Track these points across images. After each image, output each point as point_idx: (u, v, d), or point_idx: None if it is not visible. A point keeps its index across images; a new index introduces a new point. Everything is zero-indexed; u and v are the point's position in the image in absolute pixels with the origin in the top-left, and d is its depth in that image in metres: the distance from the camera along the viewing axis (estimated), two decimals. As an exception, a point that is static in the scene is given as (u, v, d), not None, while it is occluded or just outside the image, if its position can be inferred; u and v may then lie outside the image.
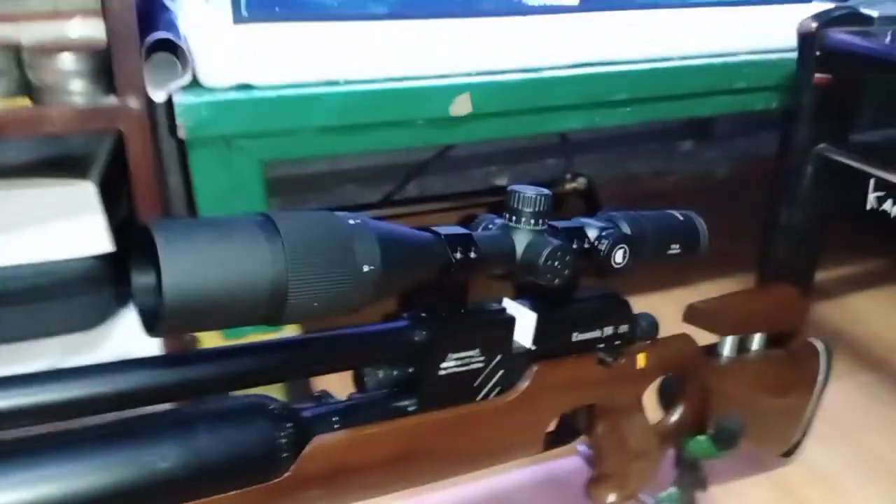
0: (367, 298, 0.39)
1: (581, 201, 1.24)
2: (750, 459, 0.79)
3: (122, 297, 0.73)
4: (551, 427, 0.58)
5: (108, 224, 0.71)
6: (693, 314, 0.66)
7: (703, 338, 0.67)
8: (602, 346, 0.56)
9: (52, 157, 0.78)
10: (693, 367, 0.65)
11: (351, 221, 0.40)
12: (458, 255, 0.45)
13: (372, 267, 0.39)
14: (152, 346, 0.67)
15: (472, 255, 0.45)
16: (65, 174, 0.73)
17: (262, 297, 0.36)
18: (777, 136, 0.87)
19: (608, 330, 0.56)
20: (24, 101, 0.65)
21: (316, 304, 0.38)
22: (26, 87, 0.66)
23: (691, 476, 0.68)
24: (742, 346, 0.70)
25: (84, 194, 0.70)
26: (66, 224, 0.69)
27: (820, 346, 0.75)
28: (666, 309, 0.65)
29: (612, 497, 0.62)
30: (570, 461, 0.70)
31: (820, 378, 0.75)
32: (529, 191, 0.49)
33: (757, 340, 0.70)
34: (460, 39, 0.75)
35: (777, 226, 0.90)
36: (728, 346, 0.68)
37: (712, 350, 0.68)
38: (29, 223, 0.69)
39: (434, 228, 0.45)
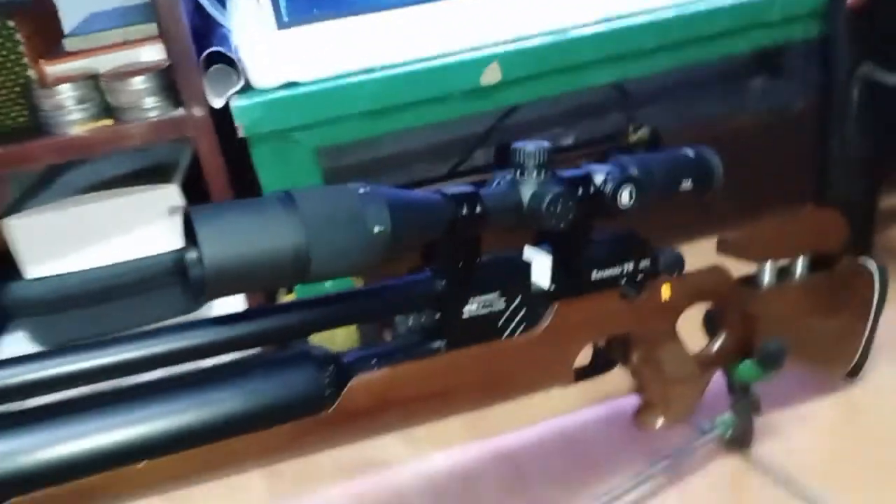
0: (382, 255, 0.46)
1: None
2: (814, 382, 0.80)
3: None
4: (587, 359, 0.63)
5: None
6: (724, 245, 0.68)
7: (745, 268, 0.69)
8: (624, 281, 0.60)
9: (145, 167, 0.90)
10: (728, 295, 0.68)
11: (361, 190, 0.46)
12: (465, 212, 0.51)
13: (382, 228, 0.45)
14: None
15: (478, 210, 0.51)
16: (156, 180, 0.85)
17: (287, 260, 0.43)
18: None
19: (628, 266, 0.60)
20: (107, 122, 0.76)
21: (335, 263, 0.45)
22: (107, 110, 0.77)
23: (744, 400, 0.71)
24: (784, 273, 0.72)
25: (170, 196, 0.82)
26: (158, 223, 0.81)
27: (873, 265, 0.75)
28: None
29: (658, 422, 0.67)
30: (633, 399, 0.72)
31: (875, 297, 0.75)
32: (530, 145, 0.54)
33: (799, 265, 0.72)
34: (484, 10, 0.80)
35: (830, 157, 0.89)
36: (767, 272, 0.70)
37: (752, 278, 0.71)
38: (130, 224, 0.81)
39: (442, 189, 0.52)
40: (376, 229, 0.45)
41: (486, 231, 0.53)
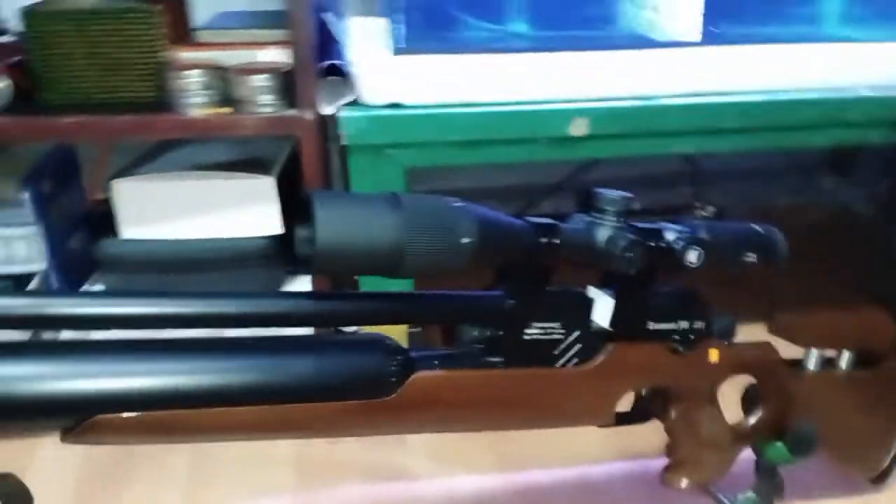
0: (465, 265, 0.50)
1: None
2: (839, 481, 0.80)
3: (289, 270, 0.91)
4: (626, 407, 0.66)
5: (283, 211, 0.89)
6: (777, 325, 0.70)
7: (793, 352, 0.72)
8: (677, 336, 0.64)
9: (247, 157, 0.97)
10: (772, 373, 0.70)
11: (456, 204, 0.51)
12: (544, 240, 0.55)
13: (470, 240, 0.50)
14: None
15: (556, 241, 0.55)
16: (253, 171, 0.91)
17: (384, 253, 0.48)
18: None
19: (683, 323, 0.63)
20: (226, 110, 0.83)
21: (424, 263, 0.49)
22: (227, 100, 0.84)
23: (768, 481, 0.71)
24: (829, 363, 0.74)
25: (265, 187, 0.88)
26: (250, 209, 0.87)
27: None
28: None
29: (684, 482, 0.68)
30: (661, 461, 0.73)
31: None
32: (613, 193, 0.58)
33: (844, 359, 0.74)
34: (583, 68, 0.85)
35: (891, 262, 0.91)
36: (813, 359, 0.72)
37: (797, 362, 0.73)
38: (223, 207, 0.87)
39: (527, 217, 0.56)
40: (464, 240, 0.50)
41: (560, 262, 0.57)
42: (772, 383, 0.70)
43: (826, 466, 0.75)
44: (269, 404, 0.49)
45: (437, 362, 0.55)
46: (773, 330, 0.70)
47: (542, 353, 0.58)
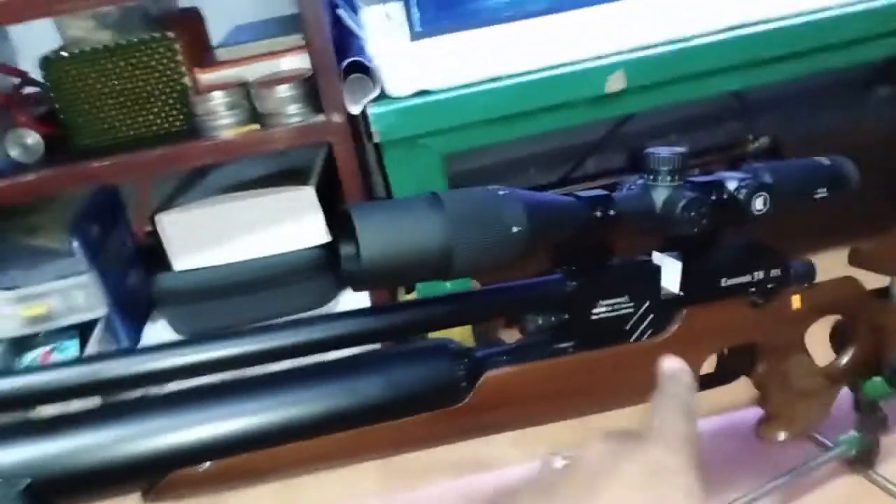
0: (518, 254, 0.48)
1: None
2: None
3: (340, 279, 0.90)
4: (710, 368, 0.63)
5: (326, 219, 0.87)
6: (858, 257, 0.67)
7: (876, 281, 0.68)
8: (753, 289, 0.60)
9: (283, 169, 0.96)
10: (860, 308, 0.66)
11: (500, 192, 0.49)
12: (598, 214, 0.52)
13: (520, 228, 0.47)
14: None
15: (611, 213, 0.53)
16: (291, 182, 0.90)
17: (433, 257, 0.46)
18: None
19: (758, 274, 0.60)
20: (254, 127, 0.82)
21: (476, 260, 0.47)
22: (254, 115, 0.83)
23: (871, 418, 0.69)
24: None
25: (306, 197, 0.87)
26: (294, 221, 0.86)
27: None
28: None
29: (781, 435, 0.65)
30: (752, 412, 0.70)
31: None
32: (664, 151, 0.55)
33: (934, 281, 0.69)
34: (611, 21, 0.81)
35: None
36: (899, 286, 0.68)
37: (883, 291, 0.69)
38: (267, 223, 0.87)
39: (576, 192, 0.53)
40: (514, 229, 0.47)
41: (618, 234, 0.54)
42: (860, 318, 0.67)
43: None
44: (343, 430, 0.48)
45: (505, 358, 0.53)
46: (855, 262, 0.66)
47: (614, 330, 0.56)
